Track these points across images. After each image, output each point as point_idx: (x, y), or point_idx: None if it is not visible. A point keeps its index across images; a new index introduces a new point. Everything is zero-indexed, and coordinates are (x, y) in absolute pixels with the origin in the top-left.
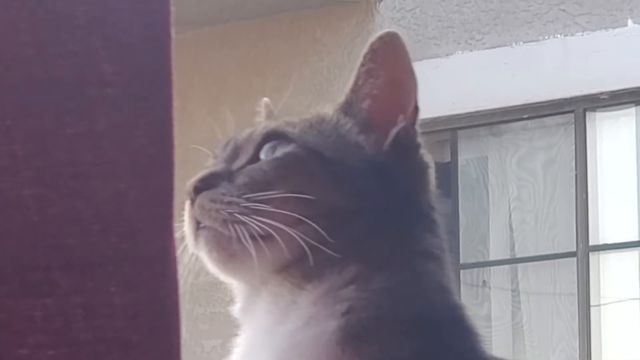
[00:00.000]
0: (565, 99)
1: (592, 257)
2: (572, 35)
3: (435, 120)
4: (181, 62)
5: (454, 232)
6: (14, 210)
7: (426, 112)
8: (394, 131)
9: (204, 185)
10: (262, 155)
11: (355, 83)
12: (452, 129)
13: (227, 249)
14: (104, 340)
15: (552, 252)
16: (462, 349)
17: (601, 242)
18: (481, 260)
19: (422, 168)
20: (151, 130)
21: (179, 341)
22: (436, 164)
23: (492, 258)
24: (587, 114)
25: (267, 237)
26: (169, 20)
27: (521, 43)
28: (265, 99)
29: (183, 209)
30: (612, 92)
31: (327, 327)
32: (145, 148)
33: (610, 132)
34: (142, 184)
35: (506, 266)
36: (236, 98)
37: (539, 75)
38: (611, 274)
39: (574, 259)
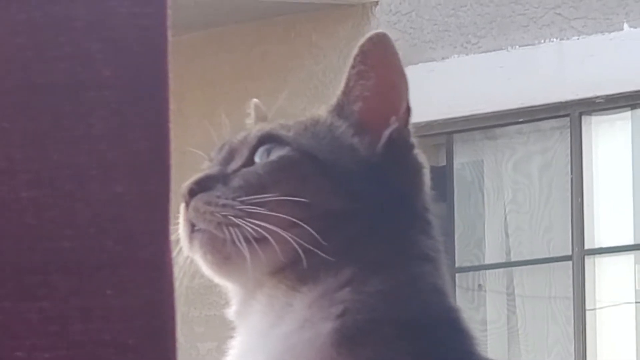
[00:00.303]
0: (561, 103)
1: (588, 260)
2: (567, 39)
3: (430, 124)
4: (177, 65)
5: (449, 236)
6: (11, 212)
7: (422, 115)
8: (387, 133)
9: (199, 187)
10: (257, 158)
11: (346, 85)
12: (448, 132)
13: (221, 252)
14: (101, 343)
15: (548, 255)
16: (457, 352)
17: (596, 246)
18: (477, 263)
19: (417, 168)
20: (148, 133)
21: (175, 344)
22: (432, 167)
23: (487, 262)
24: (583, 117)
25: (261, 240)
26: (165, 24)
27: (517, 47)
28: (255, 100)
29: (178, 212)
30: (607, 96)
31: (322, 329)
32: (141, 151)
33: (605, 136)
34: (138, 187)
35: (502, 270)
36: (232, 101)
37: (534, 79)
38: (606, 278)
39: (570, 262)
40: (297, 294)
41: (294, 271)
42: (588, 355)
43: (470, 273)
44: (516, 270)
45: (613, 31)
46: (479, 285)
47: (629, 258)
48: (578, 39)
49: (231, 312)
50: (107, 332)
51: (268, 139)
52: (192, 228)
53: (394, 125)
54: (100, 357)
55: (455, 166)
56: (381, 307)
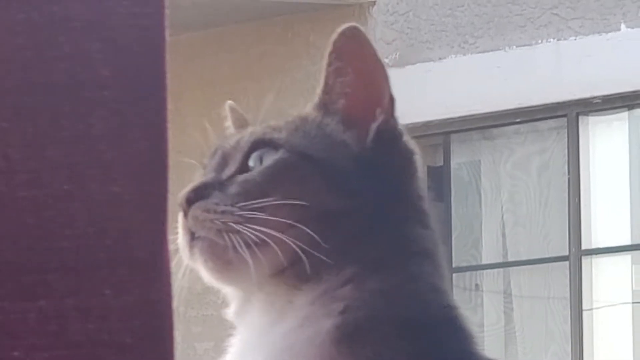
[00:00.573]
0: (558, 103)
1: (585, 261)
2: (565, 39)
3: (428, 124)
4: (175, 65)
5: (446, 236)
6: (10, 212)
7: (419, 115)
8: (374, 126)
9: (196, 196)
10: (251, 163)
11: (326, 83)
12: (445, 132)
13: (222, 258)
14: (99, 343)
15: (545, 256)
16: (456, 350)
17: (593, 246)
18: (474, 264)
19: (408, 156)
20: (146, 134)
21: (173, 344)
22: (429, 167)
23: (484, 262)
24: (580, 118)
25: (262, 244)
26: (164, 24)
27: (514, 47)
28: (230, 102)
29: (177, 212)
30: (605, 96)
31: (322, 326)
32: (140, 151)
33: (602, 136)
34: (136, 187)
35: (499, 270)
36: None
37: (531, 79)
38: (603, 278)
39: (567, 263)
40: (298, 292)
41: (296, 272)
42: (585, 355)
43: (468, 273)
44: (513, 270)
45: (610, 31)
46: (476, 286)
47: (626, 258)
48: (575, 39)
49: (230, 312)
50: (105, 331)
51: (261, 144)
52: (192, 236)
53: (380, 117)
54: (99, 357)
55: (452, 166)
56: (382, 305)
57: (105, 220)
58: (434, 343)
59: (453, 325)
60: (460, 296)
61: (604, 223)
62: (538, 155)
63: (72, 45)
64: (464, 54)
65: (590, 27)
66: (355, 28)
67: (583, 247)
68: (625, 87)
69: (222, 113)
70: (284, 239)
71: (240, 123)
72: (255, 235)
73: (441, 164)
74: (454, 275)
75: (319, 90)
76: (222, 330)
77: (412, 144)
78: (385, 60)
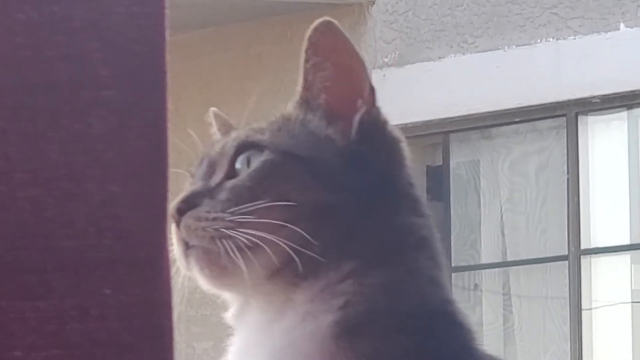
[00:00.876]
0: (558, 103)
1: (584, 260)
2: (564, 39)
3: (427, 124)
4: (173, 65)
5: (445, 236)
6: (8, 212)
7: (418, 115)
8: (357, 117)
9: (187, 205)
10: (238, 166)
11: (306, 80)
12: (444, 132)
13: (217, 264)
14: (98, 342)
15: (544, 255)
16: (455, 345)
17: (593, 246)
18: (473, 263)
19: (394, 144)
20: (145, 133)
21: (172, 343)
22: (428, 167)
23: (483, 261)
24: (579, 117)
25: (254, 247)
26: (164, 24)
27: (513, 47)
28: (213, 109)
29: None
30: (604, 96)
31: (322, 322)
32: (139, 151)
33: (602, 136)
34: (136, 186)
35: (498, 269)
36: (228, 101)
37: (531, 79)
38: (602, 278)
39: (566, 262)
40: (297, 289)
41: (291, 271)
42: (584, 355)
43: (467, 273)
44: (512, 269)
45: (609, 31)
46: (475, 285)
47: (625, 258)
48: (574, 38)
49: (229, 315)
50: (104, 331)
51: (245, 147)
52: (186, 246)
53: (362, 108)
54: (98, 356)
55: (451, 166)
56: (381, 300)
57: (105, 219)
58: (433, 338)
59: (452, 319)
60: (459, 296)
61: (603, 223)
62: (537, 155)
63: (72, 45)
64: (464, 54)
65: (589, 26)
66: (329, 22)
67: (582, 247)
68: (625, 86)
69: (246, 107)
70: (275, 240)
71: (226, 129)
72: (247, 239)
73: (440, 163)
74: (453, 274)
75: (299, 87)
76: (221, 330)
77: (398, 132)
78: (385, 60)
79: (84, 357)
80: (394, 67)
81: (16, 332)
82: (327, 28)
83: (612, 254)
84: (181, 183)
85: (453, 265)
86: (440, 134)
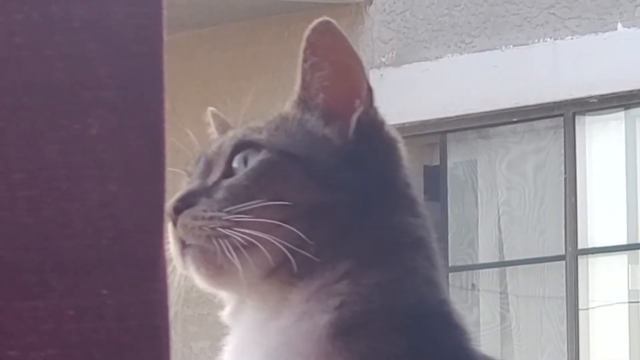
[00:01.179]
0: (555, 103)
1: (581, 260)
2: (561, 39)
3: (424, 123)
4: (170, 64)
5: (442, 235)
6: (6, 212)
7: (415, 115)
8: (354, 117)
9: (184, 204)
10: (235, 165)
11: (304, 80)
12: (442, 132)
13: (213, 263)
14: (95, 342)
15: (541, 255)
16: (451, 345)
17: (590, 246)
18: (470, 263)
19: (391, 145)
20: (143, 133)
21: (169, 343)
22: (425, 167)
23: (481, 261)
24: (577, 117)
25: (249, 247)
26: (161, 23)
27: (511, 46)
28: (211, 108)
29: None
30: (601, 95)
31: (319, 321)
32: (137, 151)
33: (599, 136)
34: (133, 186)
35: (495, 269)
36: (225, 100)
37: (528, 79)
38: (600, 278)
39: (563, 262)
40: (293, 289)
41: (287, 271)
42: (581, 354)
43: (464, 272)
44: (509, 269)
45: (607, 31)
46: (473, 285)
47: (622, 258)
48: (572, 38)
49: (225, 314)
50: (101, 331)
51: (242, 146)
52: (183, 245)
53: (360, 108)
54: (95, 356)
55: (448, 165)
56: (378, 300)
57: (103, 219)
58: (429, 338)
59: (448, 320)
60: (456, 295)
61: (600, 222)
62: (534, 155)
63: (70, 44)
64: (461, 54)
65: (587, 26)
66: (327, 22)
67: (579, 247)
68: (622, 86)
69: (242, 110)
70: (271, 239)
71: (224, 128)
72: (243, 238)
73: (437, 163)
74: (450, 274)
75: (296, 87)
76: (218, 330)
77: (395, 132)
78: (382, 60)
79: (82, 356)
80: (391, 67)
81: (14, 331)
82: (325, 28)
83: (609, 254)
84: (178, 182)
85: (450, 265)
86: (438, 133)
